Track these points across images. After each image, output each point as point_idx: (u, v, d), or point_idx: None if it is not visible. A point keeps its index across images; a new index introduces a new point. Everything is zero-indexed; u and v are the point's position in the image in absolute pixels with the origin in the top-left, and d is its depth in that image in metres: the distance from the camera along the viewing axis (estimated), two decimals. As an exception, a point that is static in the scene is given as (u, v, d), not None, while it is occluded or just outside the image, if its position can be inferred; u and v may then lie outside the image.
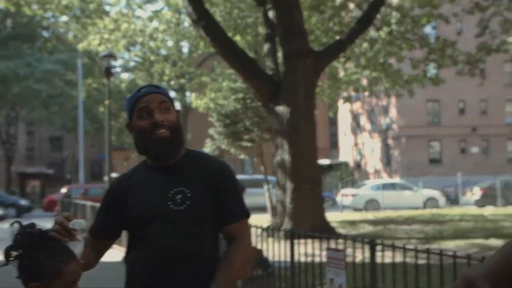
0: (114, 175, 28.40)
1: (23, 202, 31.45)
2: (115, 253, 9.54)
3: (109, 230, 2.47)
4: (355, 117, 49.21)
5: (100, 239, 2.47)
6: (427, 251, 4.83)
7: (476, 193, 29.25)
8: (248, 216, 2.42)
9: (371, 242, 5.53)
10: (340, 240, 6.44)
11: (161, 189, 2.31)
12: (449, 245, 12.33)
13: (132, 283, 2.33)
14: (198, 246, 2.28)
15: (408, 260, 5.10)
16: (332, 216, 19.96)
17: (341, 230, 15.68)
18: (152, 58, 31.72)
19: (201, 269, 2.27)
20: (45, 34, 45.92)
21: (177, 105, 33.98)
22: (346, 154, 50.08)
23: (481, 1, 17.35)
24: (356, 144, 49.17)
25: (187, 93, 37.52)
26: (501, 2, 16.57)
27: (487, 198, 28.64)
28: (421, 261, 4.98)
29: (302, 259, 6.75)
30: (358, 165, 48.29)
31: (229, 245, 2.35)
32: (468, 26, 39.20)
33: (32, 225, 2.04)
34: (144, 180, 2.37)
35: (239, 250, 2.32)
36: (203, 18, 14.05)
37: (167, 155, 2.35)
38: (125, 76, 41.74)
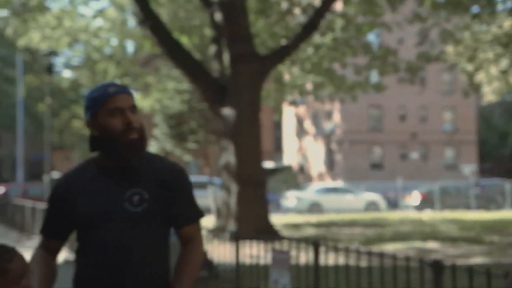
0: (55, 174, 27.68)
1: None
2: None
3: (61, 230, 2.40)
4: (300, 121, 49.74)
5: (53, 239, 2.42)
6: (369, 253, 4.95)
7: (415, 197, 30.06)
8: (202, 216, 2.45)
9: (315, 244, 5.62)
10: (285, 242, 6.52)
11: (116, 190, 2.28)
12: (390, 247, 12.62)
13: (85, 285, 2.29)
14: (154, 247, 2.29)
15: (350, 262, 5.21)
16: (276, 219, 20.10)
17: (285, 233, 15.81)
18: (96, 56, 31.11)
19: (156, 269, 2.28)
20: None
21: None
22: (290, 157, 50.54)
23: (421, 12, 17.90)
24: (300, 148, 49.70)
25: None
26: (440, 13, 17.12)
27: (426, 203, 29.48)
28: (363, 263, 5.10)
29: (247, 260, 6.79)
30: (302, 169, 48.79)
31: (186, 245, 2.38)
32: (410, 35, 40.26)
33: None
34: (96, 180, 2.31)
35: (197, 250, 2.37)
36: (149, 19, 13.92)
37: (135, 158, 2.30)
38: (67, 74, 40.83)
